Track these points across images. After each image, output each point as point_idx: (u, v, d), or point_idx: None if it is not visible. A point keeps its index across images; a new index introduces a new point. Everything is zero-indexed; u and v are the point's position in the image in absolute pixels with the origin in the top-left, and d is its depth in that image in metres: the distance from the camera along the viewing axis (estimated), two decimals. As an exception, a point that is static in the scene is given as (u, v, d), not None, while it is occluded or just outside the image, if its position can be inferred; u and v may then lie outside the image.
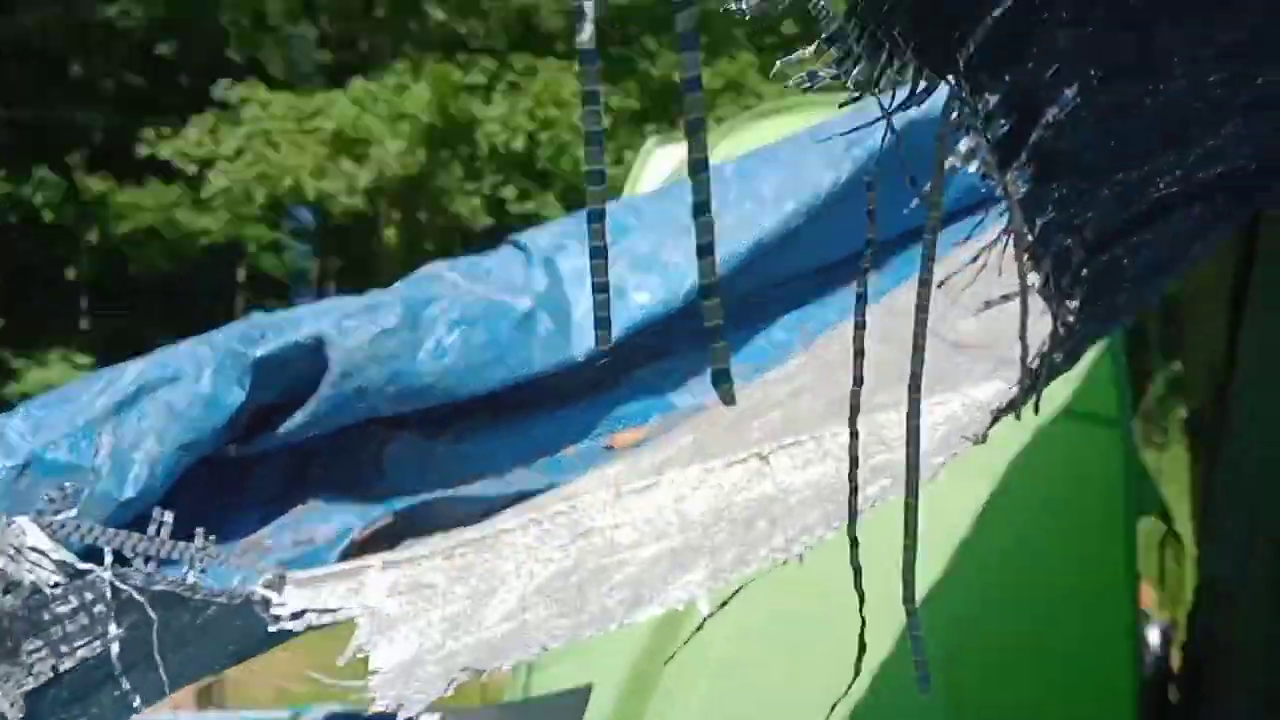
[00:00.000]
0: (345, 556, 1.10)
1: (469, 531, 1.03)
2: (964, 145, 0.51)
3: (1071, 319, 0.64)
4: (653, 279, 1.47)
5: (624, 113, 13.52)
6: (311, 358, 1.19)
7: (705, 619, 0.91)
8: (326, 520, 1.20)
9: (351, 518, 1.20)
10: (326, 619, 0.85)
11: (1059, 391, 2.29)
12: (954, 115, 0.49)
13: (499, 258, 1.48)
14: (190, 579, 0.82)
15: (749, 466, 1.06)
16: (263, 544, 1.15)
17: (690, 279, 1.48)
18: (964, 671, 2.18)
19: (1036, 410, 0.78)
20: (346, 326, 1.21)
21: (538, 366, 1.36)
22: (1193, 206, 0.62)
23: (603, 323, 0.59)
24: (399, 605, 0.88)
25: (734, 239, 1.53)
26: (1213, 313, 3.30)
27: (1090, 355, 2.34)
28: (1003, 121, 0.49)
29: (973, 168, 0.51)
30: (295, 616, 0.84)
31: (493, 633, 0.87)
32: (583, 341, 1.40)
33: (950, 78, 0.47)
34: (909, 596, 0.59)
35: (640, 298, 1.45)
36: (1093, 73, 0.50)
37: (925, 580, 2.28)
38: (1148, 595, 3.34)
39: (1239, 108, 0.55)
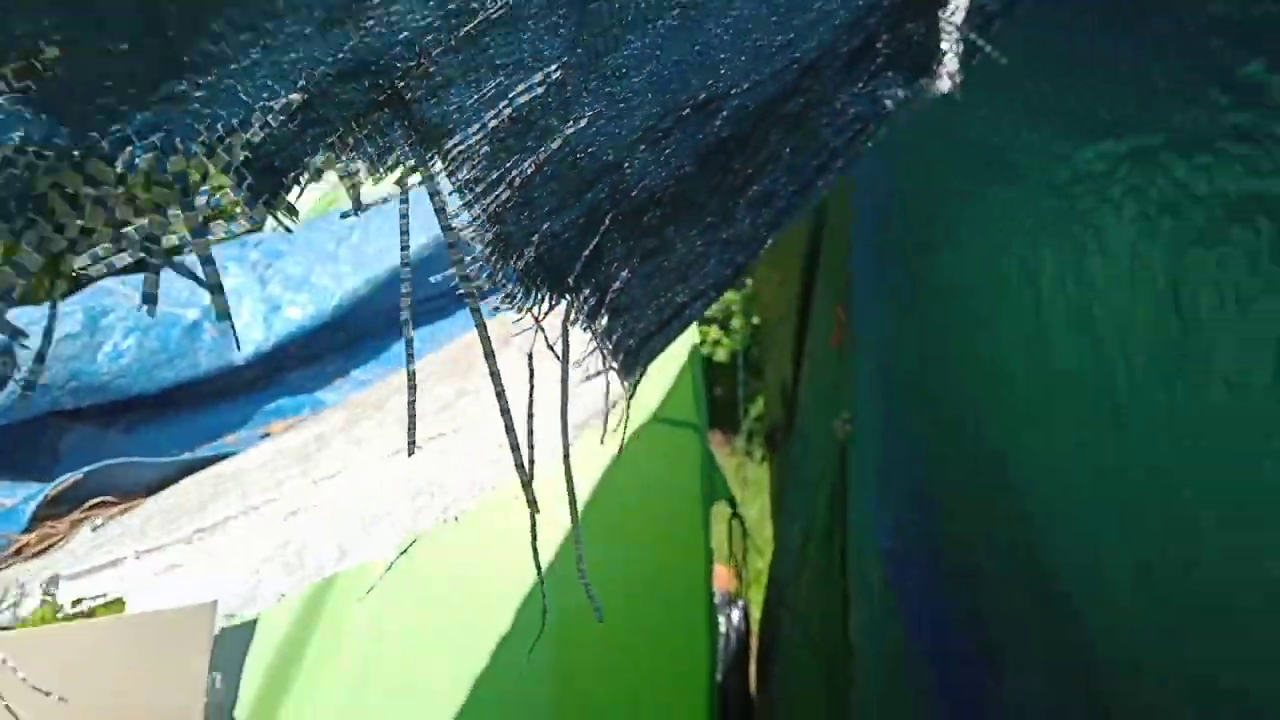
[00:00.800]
0: (39, 509, 1.30)
1: (200, 520, 1.27)
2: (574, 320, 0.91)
3: (630, 383, 1.04)
4: (303, 296, 1.75)
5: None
6: (-5, 358, 1.37)
7: (393, 561, 1.20)
8: (12, 494, 1.38)
9: (33, 491, 1.39)
10: (99, 601, 1.08)
11: (649, 401, 2.74)
12: (570, 317, 0.88)
13: (165, 276, 1.69)
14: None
15: (402, 454, 1.37)
16: (-50, 516, 1.31)
17: (335, 297, 1.77)
18: (571, 650, 2.43)
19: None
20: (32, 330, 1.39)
21: (203, 369, 1.60)
22: (696, 303, 1.04)
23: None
24: (158, 583, 1.12)
25: (379, 265, 1.84)
26: (783, 344, 3.85)
27: (674, 374, 2.83)
28: (591, 297, 0.89)
29: (577, 328, 0.91)
30: (75, 604, 1.06)
31: (236, 590, 1.13)
32: (243, 348, 1.65)
33: (565, 295, 0.86)
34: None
35: (292, 312, 1.73)
36: (635, 260, 0.92)
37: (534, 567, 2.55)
38: (730, 579, 3.83)
39: (712, 256, 0.98)
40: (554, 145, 0.81)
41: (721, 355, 6.23)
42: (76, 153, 0.55)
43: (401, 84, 0.68)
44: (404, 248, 0.81)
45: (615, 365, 0.98)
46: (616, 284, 0.93)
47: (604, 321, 0.93)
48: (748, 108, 0.86)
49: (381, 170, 0.71)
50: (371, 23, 0.64)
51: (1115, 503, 1.69)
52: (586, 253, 0.90)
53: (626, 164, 0.87)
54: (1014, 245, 1.98)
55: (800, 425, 3.63)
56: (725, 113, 0.85)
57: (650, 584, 2.71)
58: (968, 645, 2.31)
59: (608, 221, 0.89)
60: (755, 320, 4.77)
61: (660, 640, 2.77)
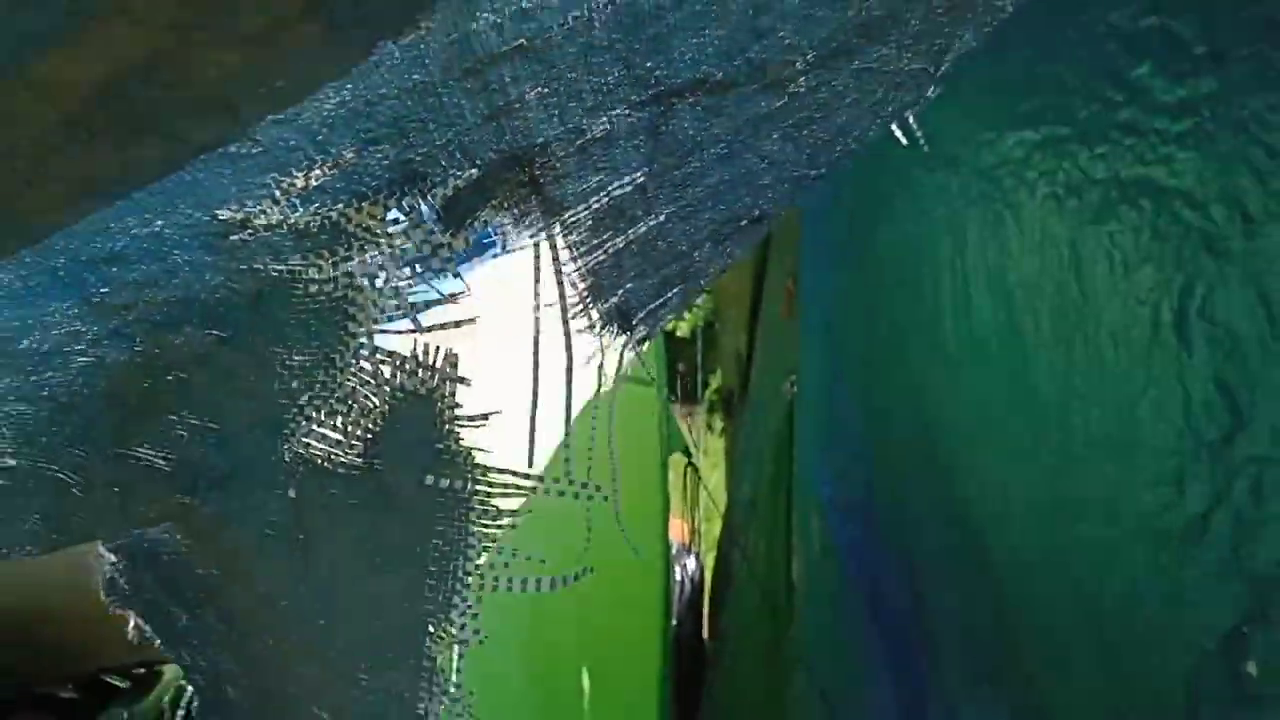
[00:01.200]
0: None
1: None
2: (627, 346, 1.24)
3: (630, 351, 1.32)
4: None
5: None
6: None
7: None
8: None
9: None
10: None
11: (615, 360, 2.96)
12: (626, 344, 1.22)
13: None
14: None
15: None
16: None
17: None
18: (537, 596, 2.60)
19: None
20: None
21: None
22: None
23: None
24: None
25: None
26: (739, 316, 4.07)
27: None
28: (642, 330, 1.24)
29: (627, 350, 1.25)
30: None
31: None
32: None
33: (627, 331, 1.22)
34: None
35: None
36: (681, 304, 1.25)
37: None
38: (685, 532, 4.05)
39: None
40: (640, 230, 1.16)
41: (683, 330, 6.43)
42: (356, 201, 0.97)
43: (538, 172, 1.05)
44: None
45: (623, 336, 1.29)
46: (663, 321, 1.31)
47: (638, 338, 1.29)
48: (784, 212, 1.23)
49: (521, 228, 1.09)
50: (517, 123, 1.00)
51: (1019, 442, 1.92)
52: (653, 305, 1.26)
53: (697, 254, 1.23)
54: (944, 220, 2.21)
55: (753, 389, 3.86)
56: (773, 220, 1.22)
57: (610, 529, 2.88)
58: (897, 579, 2.54)
59: (677, 289, 1.25)
60: (715, 299, 5.01)
61: (619, 585, 2.95)
